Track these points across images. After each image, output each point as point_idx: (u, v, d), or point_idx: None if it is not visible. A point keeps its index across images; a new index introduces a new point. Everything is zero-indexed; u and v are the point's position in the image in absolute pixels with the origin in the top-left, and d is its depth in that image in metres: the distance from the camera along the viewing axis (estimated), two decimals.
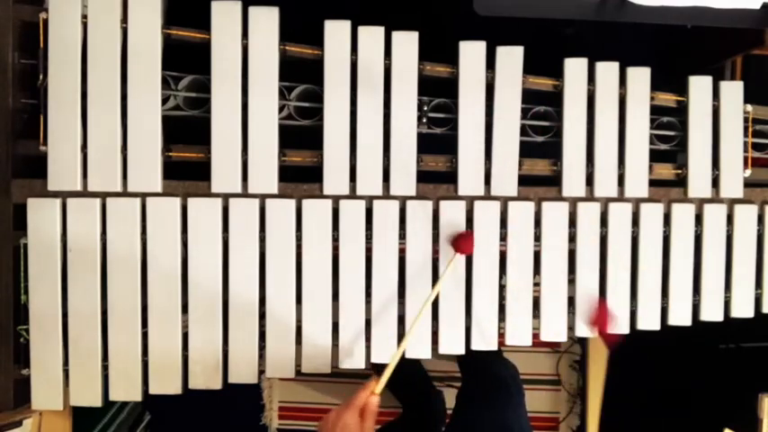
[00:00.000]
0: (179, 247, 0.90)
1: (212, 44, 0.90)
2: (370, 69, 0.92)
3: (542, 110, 0.97)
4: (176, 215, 0.90)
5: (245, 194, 0.91)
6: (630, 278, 0.96)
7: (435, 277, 0.93)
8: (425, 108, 0.95)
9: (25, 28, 0.90)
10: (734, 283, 0.98)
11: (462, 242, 0.89)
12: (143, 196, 0.91)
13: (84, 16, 0.88)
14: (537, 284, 0.95)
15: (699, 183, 0.97)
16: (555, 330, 0.96)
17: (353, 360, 0.93)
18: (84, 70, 0.89)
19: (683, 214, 0.97)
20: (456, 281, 0.93)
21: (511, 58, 0.94)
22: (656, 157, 0.98)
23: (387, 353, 0.93)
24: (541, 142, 0.98)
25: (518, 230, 0.94)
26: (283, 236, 0.91)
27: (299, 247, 0.92)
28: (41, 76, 0.89)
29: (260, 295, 0.92)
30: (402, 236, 0.92)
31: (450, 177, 0.94)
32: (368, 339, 0.93)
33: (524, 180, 0.95)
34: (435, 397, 1.56)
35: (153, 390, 0.92)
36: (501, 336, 0.95)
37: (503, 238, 0.94)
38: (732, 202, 0.98)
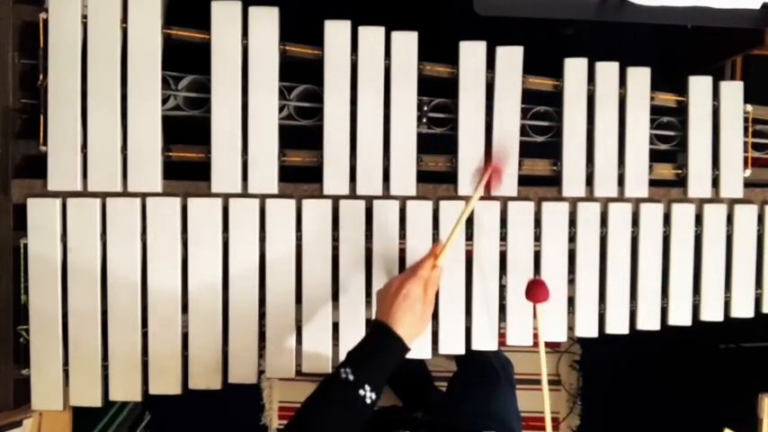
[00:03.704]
0: (179, 247, 0.90)
1: (212, 44, 0.90)
2: (370, 69, 0.92)
3: (542, 110, 0.97)
4: (176, 215, 0.90)
5: (245, 194, 0.91)
6: (630, 278, 0.96)
7: None
8: (425, 108, 0.95)
9: (25, 28, 0.90)
10: (734, 283, 0.98)
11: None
12: (143, 196, 0.90)
13: (85, 16, 0.88)
14: None
15: (699, 183, 0.97)
16: (555, 330, 0.96)
17: None
18: (84, 70, 0.89)
19: (682, 214, 0.97)
20: (456, 281, 0.93)
21: (511, 58, 0.94)
22: (656, 157, 0.98)
23: None
24: (541, 142, 0.98)
25: (518, 230, 0.94)
26: (283, 236, 0.91)
27: (299, 247, 0.92)
28: (41, 76, 0.89)
29: (260, 295, 0.92)
30: (402, 236, 0.92)
31: (451, 177, 0.94)
32: None
33: (524, 180, 0.95)
34: (435, 395, 1.57)
35: (153, 390, 0.92)
36: (501, 336, 0.95)
37: (503, 238, 0.94)
38: (732, 202, 0.98)
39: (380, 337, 0.73)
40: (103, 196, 0.90)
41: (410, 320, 0.72)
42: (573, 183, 0.95)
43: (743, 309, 0.99)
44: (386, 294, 0.75)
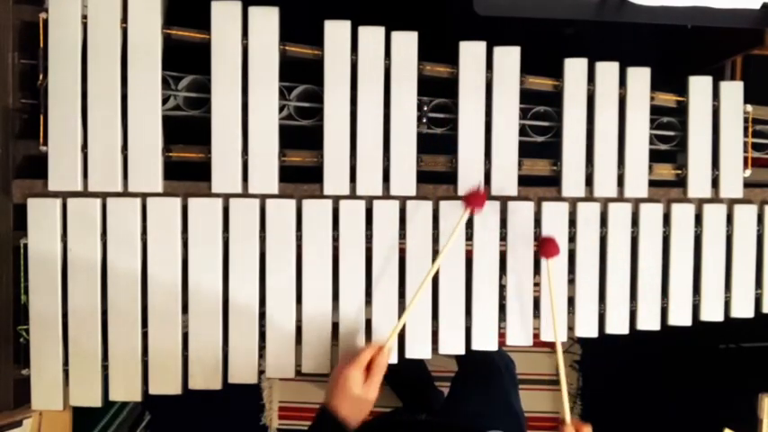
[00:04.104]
0: (179, 247, 0.90)
1: (212, 44, 0.90)
2: (370, 69, 0.92)
3: (542, 110, 0.97)
4: (177, 215, 0.90)
5: (245, 194, 0.91)
6: (630, 278, 0.96)
7: (436, 277, 0.93)
8: (425, 108, 0.95)
9: (25, 28, 0.90)
10: (734, 283, 0.98)
11: (473, 198, 0.87)
12: (143, 196, 0.91)
13: (85, 16, 0.88)
14: (537, 284, 0.95)
15: (698, 183, 0.97)
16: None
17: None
18: (84, 70, 0.89)
19: (682, 214, 0.97)
20: (456, 281, 0.93)
21: (508, 58, 0.94)
22: (655, 157, 0.98)
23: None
24: (541, 142, 0.98)
25: (518, 230, 0.94)
26: (283, 236, 0.91)
27: (299, 247, 0.92)
28: (41, 76, 0.89)
29: (260, 295, 0.92)
30: (402, 236, 0.92)
31: (451, 177, 0.94)
32: (368, 339, 0.93)
33: (524, 180, 0.95)
34: (435, 396, 1.57)
35: (153, 390, 0.92)
36: (501, 336, 0.95)
37: (503, 238, 0.94)
38: (732, 203, 0.98)
39: (323, 421, 0.77)
40: (104, 196, 0.90)
41: (350, 404, 0.76)
42: (573, 183, 0.95)
43: (743, 309, 0.99)
44: (331, 379, 0.79)
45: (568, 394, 1.70)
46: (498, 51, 0.93)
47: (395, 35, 0.92)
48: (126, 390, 0.91)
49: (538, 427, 1.73)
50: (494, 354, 1.17)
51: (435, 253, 0.93)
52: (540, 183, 0.96)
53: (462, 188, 0.93)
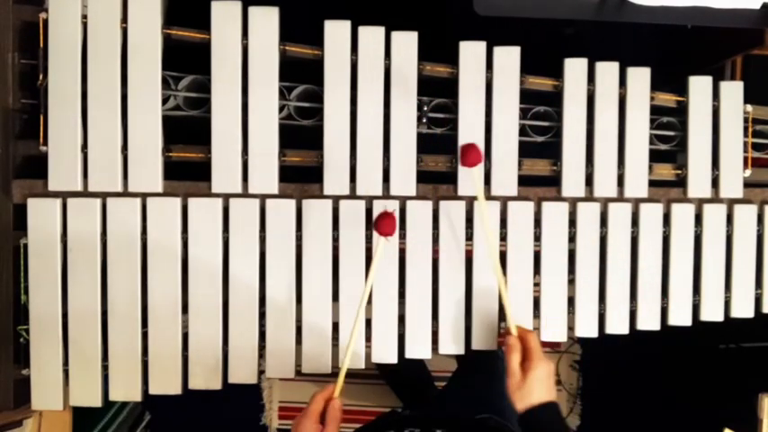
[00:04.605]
0: (179, 247, 0.90)
1: (212, 44, 0.90)
2: (370, 69, 0.92)
3: (542, 110, 0.97)
4: (177, 215, 0.90)
5: (245, 194, 0.91)
6: (630, 278, 0.96)
7: (435, 277, 0.93)
8: (425, 108, 0.95)
9: (25, 28, 0.90)
10: (734, 283, 0.98)
11: (383, 223, 0.79)
12: (143, 196, 0.91)
13: (85, 16, 0.88)
14: (537, 284, 0.95)
15: (698, 183, 0.97)
16: (555, 330, 0.96)
17: (354, 360, 0.93)
18: (84, 70, 0.89)
19: (682, 214, 0.97)
20: (456, 281, 0.93)
21: (508, 58, 0.94)
22: (655, 157, 0.98)
23: (387, 353, 0.93)
24: (541, 142, 0.98)
25: (518, 230, 0.94)
26: (283, 236, 0.91)
27: (299, 247, 0.92)
28: (41, 76, 0.89)
29: (260, 295, 0.92)
30: (402, 236, 0.92)
31: (451, 177, 0.94)
32: (368, 339, 0.93)
33: (524, 180, 0.95)
34: (435, 396, 1.57)
35: (153, 390, 0.92)
36: (501, 336, 0.95)
37: (503, 238, 0.94)
38: (732, 203, 0.98)
39: None
40: (104, 196, 0.90)
41: None
42: (573, 183, 0.95)
43: (743, 309, 0.99)
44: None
45: (568, 394, 1.70)
46: (498, 51, 0.93)
47: (395, 35, 0.92)
48: (126, 390, 0.91)
49: None
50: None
51: (436, 253, 0.93)
52: (540, 183, 0.96)
53: (463, 188, 0.93)
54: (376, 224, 0.79)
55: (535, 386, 0.77)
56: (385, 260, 0.92)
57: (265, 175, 0.91)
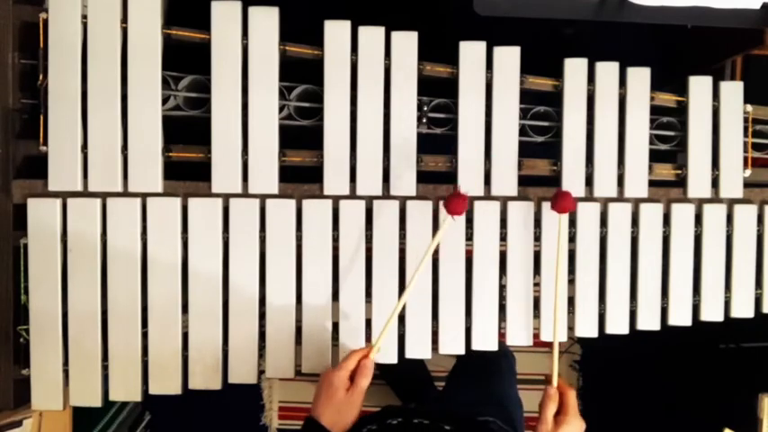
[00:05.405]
0: (179, 247, 0.90)
1: (212, 44, 0.90)
2: (370, 69, 0.92)
3: (542, 110, 0.97)
4: (176, 215, 0.90)
5: (245, 194, 0.91)
6: (630, 278, 0.96)
7: (435, 277, 0.93)
8: (425, 108, 0.95)
9: (25, 28, 0.90)
10: (734, 283, 0.98)
11: (454, 202, 0.82)
12: (143, 196, 0.90)
13: (84, 16, 0.88)
14: (537, 284, 0.95)
15: (698, 183, 0.97)
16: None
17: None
18: (84, 70, 0.89)
19: (682, 214, 0.97)
20: (456, 281, 0.93)
21: (508, 58, 0.94)
22: (655, 157, 0.98)
23: (387, 353, 0.93)
24: (541, 142, 0.98)
25: (518, 230, 0.94)
26: (283, 236, 0.91)
27: (299, 247, 0.92)
28: (41, 76, 0.89)
29: (260, 295, 0.92)
30: (402, 236, 0.92)
31: (450, 177, 0.94)
32: (368, 339, 0.93)
33: (524, 180, 0.95)
34: (434, 395, 1.57)
35: (153, 390, 0.92)
36: (501, 336, 0.95)
37: (503, 238, 0.94)
38: (732, 203, 0.98)
39: (307, 429, 0.75)
40: (104, 196, 0.90)
41: (334, 410, 0.75)
42: (572, 183, 0.95)
43: (743, 309, 0.99)
44: (317, 385, 0.78)
45: None
46: (498, 51, 0.93)
47: (395, 35, 0.92)
48: (126, 390, 0.91)
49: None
50: None
51: (435, 253, 0.93)
52: (540, 183, 0.96)
53: (463, 188, 0.93)
54: (447, 203, 0.82)
55: None
56: (384, 260, 0.92)
57: (265, 175, 0.91)
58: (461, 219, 0.91)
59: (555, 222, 0.94)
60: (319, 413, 0.75)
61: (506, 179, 0.94)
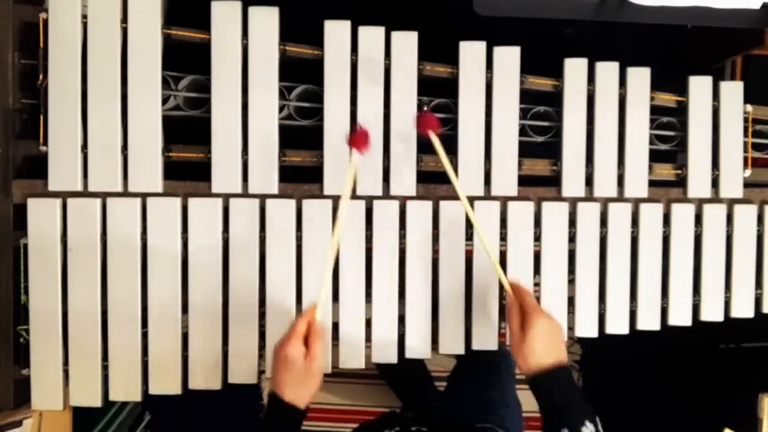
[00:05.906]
0: (179, 247, 0.90)
1: (212, 44, 0.90)
2: (370, 69, 0.92)
3: (542, 110, 0.97)
4: (177, 215, 0.90)
5: (245, 194, 0.91)
6: (630, 278, 0.96)
7: (435, 277, 0.93)
8: (425, 108, 0.95)
9: (25, 28, 0.90)
10: (734, 283, 0.98)
11: (356, 138, 0.80)
12: (143, 196, 0.90)
13: (84, 16, 0.88)
14: (537, 284, 0.95)
15: (698, 183, 0.97)
16: None
17: (354, 360, 0.93)
18: (84, 70, 0.89)
19: (682, 214, 0.97)
20: (456, 281, 0.93)
21: (508, 58, 0.94)
22: (655, 157, 0.98)
23: (387, 353, 0.93)
24: (541, 142, 0.98)
25: (518, 230, 0.94)
26: (283, 236, 0.91)
27: (299, 247, 0.92)
28: (41, 76, 0.89)
29: (260, 295, 0.92)
30: (402, 236, 0.92)
31: None
32: (368, 339, 0.93)
33: (524, 180, 0.95)
34: (435, 395, 1.57)
35: (153, 390, 0.92)
36: (501, 336, 0.95)
37: (503, 238, 0.94)
38: (732, 203, 0.98)
39: (271, 408, 0.73)
40: (104, 196, 0.90)
41: (294, 383, 0.72)
42: (573, 183, 0.95)
43: (743, 309, 0.99)
44: (272, 362, 0.75)
45: None
46: (498, 51, 0.93)
47: (395, 35, 0.92)
48: (126, 390, 0.91)
49: (537, 427, 1.72)
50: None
51: (436, 253, 0.93)
52: (540, 183, 0.96)
53: (463, 188, 0.93)
54: (350, 139, 0.79)
55: (537, 344, 0.72)
56: (384, 260, 0.92)
57: (265, 175, 0.91)
58: (461, 220, 0.92)
59: (555, 222, 0.94)
60: (281, 390, 0.73)
61: (506, 179, 0.94)
